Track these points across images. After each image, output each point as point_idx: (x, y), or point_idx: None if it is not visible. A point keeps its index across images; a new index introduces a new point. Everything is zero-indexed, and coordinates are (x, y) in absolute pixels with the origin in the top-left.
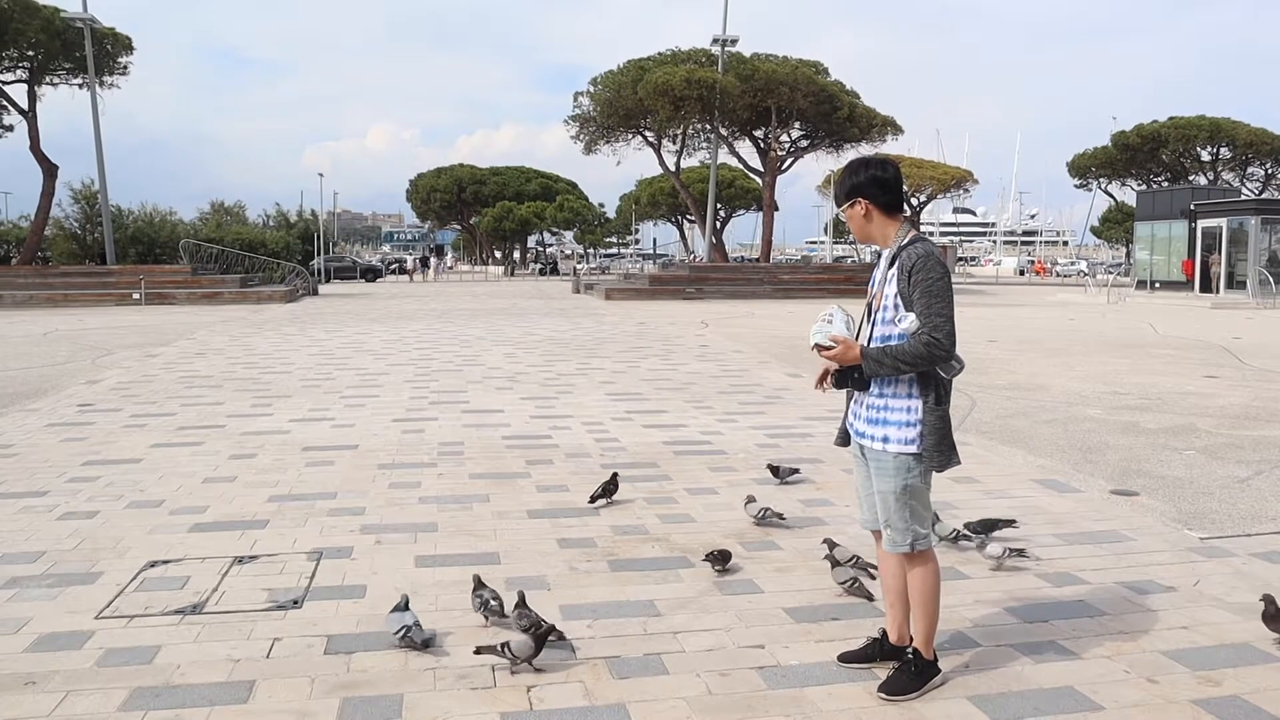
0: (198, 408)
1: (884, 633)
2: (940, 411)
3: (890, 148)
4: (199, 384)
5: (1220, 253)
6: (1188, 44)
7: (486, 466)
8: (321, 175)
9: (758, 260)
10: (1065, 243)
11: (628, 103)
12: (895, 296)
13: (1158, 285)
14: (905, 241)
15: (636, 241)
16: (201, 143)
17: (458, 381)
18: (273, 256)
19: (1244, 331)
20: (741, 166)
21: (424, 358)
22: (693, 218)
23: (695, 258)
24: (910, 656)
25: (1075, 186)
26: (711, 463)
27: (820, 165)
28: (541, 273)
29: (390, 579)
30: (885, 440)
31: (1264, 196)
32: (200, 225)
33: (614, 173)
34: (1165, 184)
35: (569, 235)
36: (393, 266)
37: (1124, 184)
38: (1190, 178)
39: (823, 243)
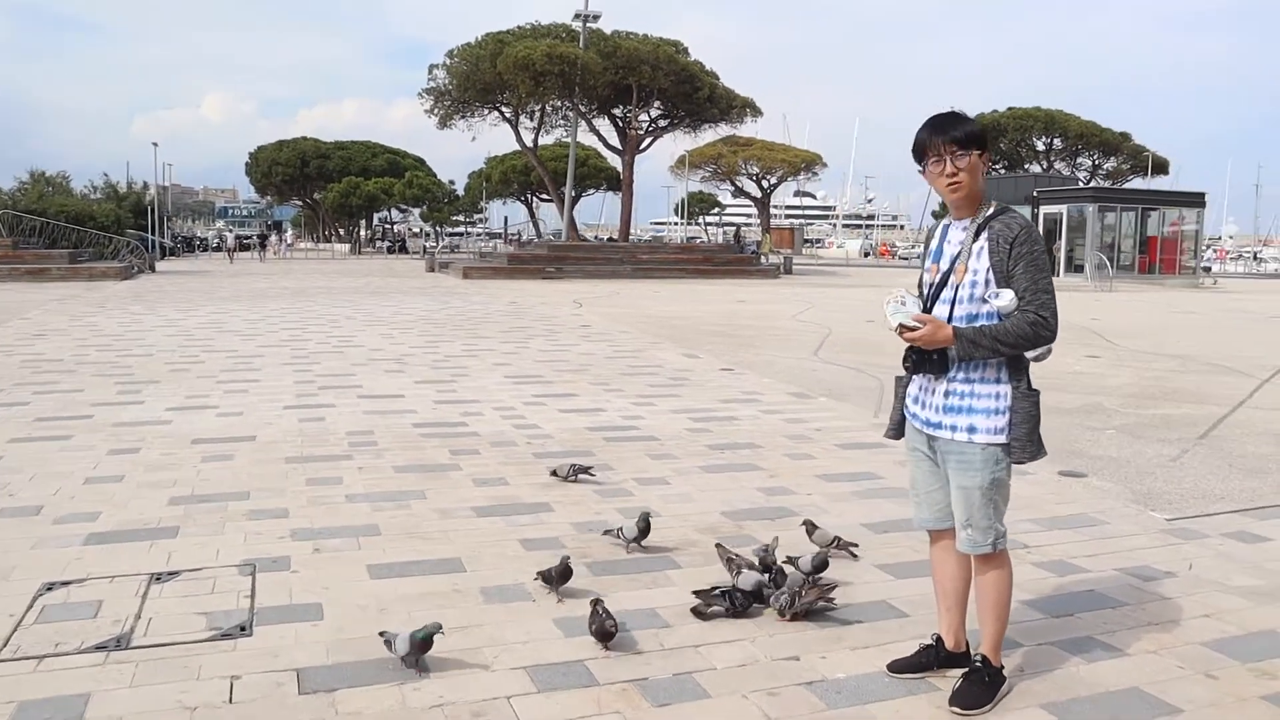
0: (54, 395)
1: (938, 639)
2: (1034, 397)
3: (746, 130)
4: (49, 369)
5: (1061, 238)
6: (1015, 40)
7: (408, 458)
8: (156, 145)
9: (615, 240)
10: (901, 226)
11: (486, 77)
12: (988, 271)
13: None
14: (993, 211)
15: (484, 220)
16: (17, 109)
17: (342, 364)
18: (102, 230)
19: (1097, 313)
20: (599, 145)
21: (295, 339)
22: (545, 196)
23: (550, 237)
24: (979, 665)
25: (918, 172)
26: (649, 450)
27: (678, 145)
28: (390, 251)
29: (347, 594)
30: (971, 430)
31: (1095, 185)
32: (20, 196)
33: (463, 150)
34: (1003, 171)
35: (416, 213)
36: (247, 242)
37: None
38: (1026, 166)
39: (675, 224)
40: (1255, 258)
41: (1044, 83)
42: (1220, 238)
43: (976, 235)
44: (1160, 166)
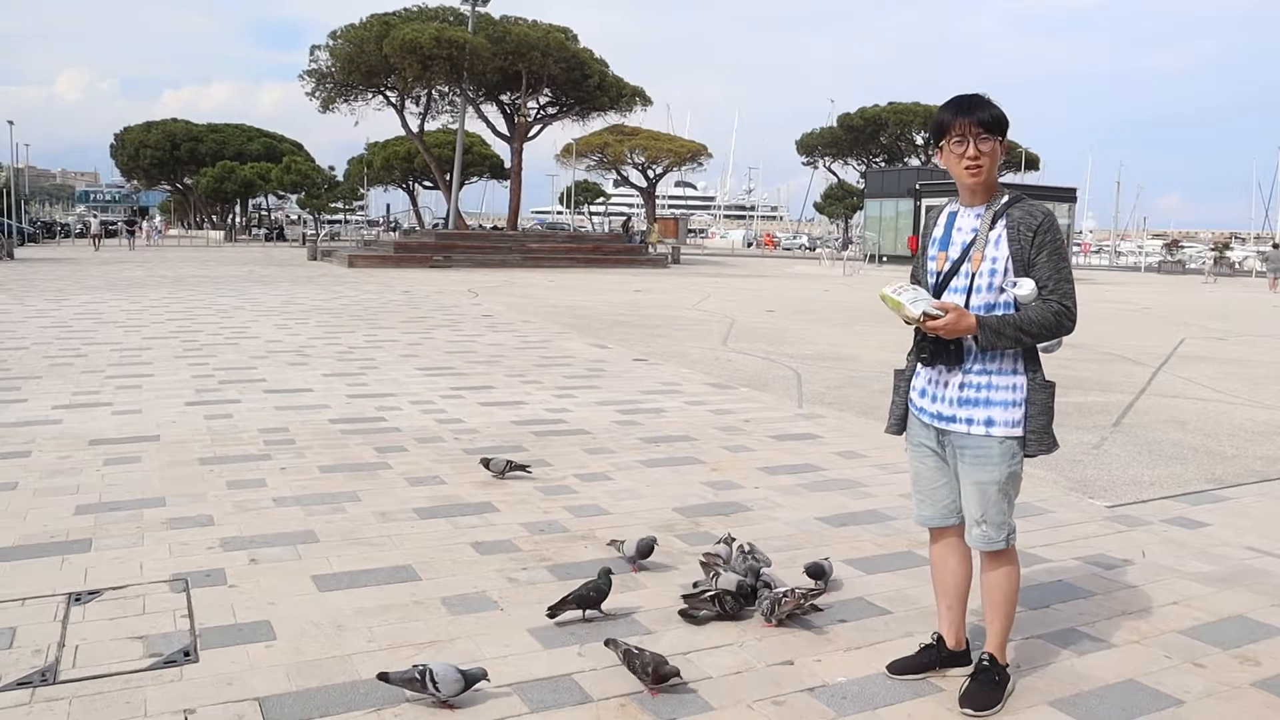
0: None
1: (939, 638)
2: (1050, 388)
3: (634, 119)
4: None
5: None
6: (890, 36)
7: (333, 457)
8: (12, 123)
9: (501, 228)
10: (780, 217)
11: (371, 60)
12: (1007, 260)
13: (885, 259)
14: (1009, 199)
15: (363, 208)
16: None
17: (240, 357)
18: None
19: None
20: (486, 132)
21: (184, 330)
22: (429, 183)
23: (438, 225)
24: (987, 664)
25: (803, 164)
26: (583, 444)
27: (565, 133)
28: (268, 239)
29: (296, 609)
30: (989, 423)
31: None
32: None
33: (343, 135)
34: (883, 164)
35: (294, 199)
36: (112, 228)
37: (845, 163)
38: (906, 159)
39: (561, 212)
40: (1116, 252)
41: (923, 79)
42: (1081, 232)
43: (993, 223)
44: (1032, 163)
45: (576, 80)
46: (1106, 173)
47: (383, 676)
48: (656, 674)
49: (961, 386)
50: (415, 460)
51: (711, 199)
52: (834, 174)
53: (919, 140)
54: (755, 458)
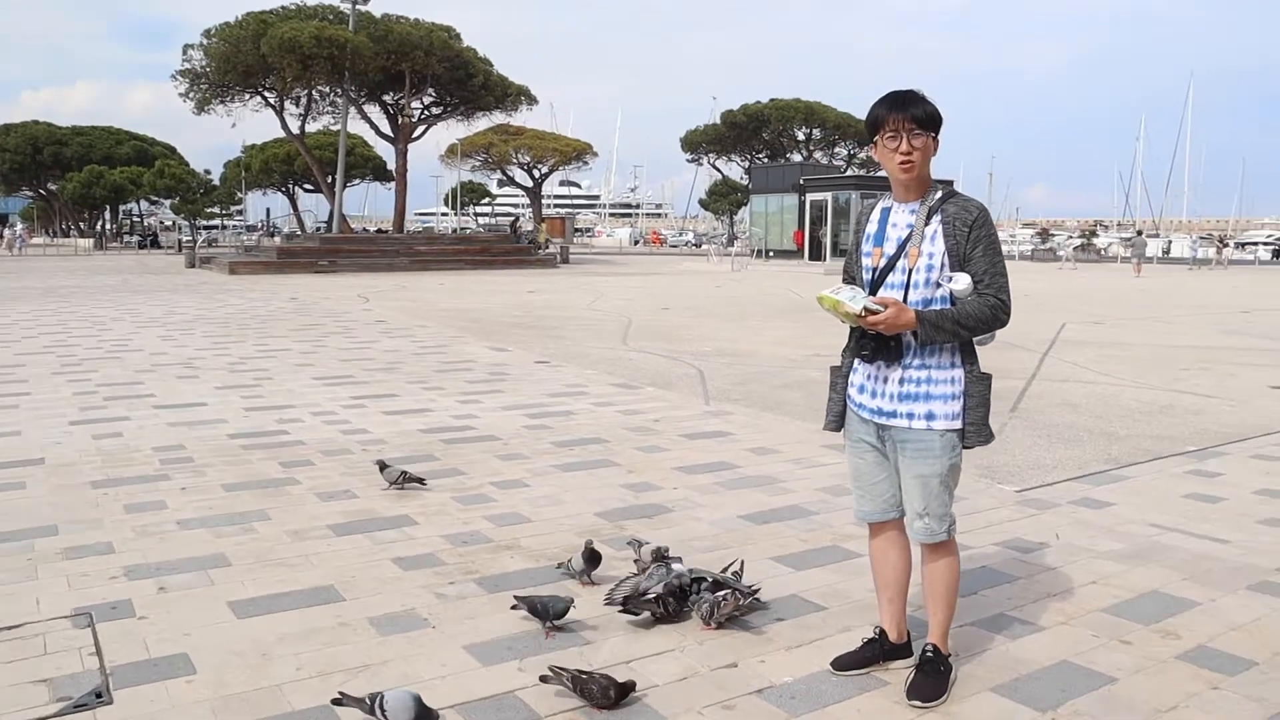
0: None
1: (881, 632)
2: (987, 380)
3: (520, 118)
4: None
5: (826, 224)
6: (772, 32)
7: (236, 474)
8: None
9: (386, 231)
10: (665, 215)
11: (248, 59)
12: (944, 255)
13: (772, 254)
14: (943, 195)
15: (241, 212)
16: None
17: (124, 371)
18: None
19: None
20: (369, 134)
21: (60, 344)
22: (309, 186)
23: (320, 229)
24: (931, 655)
25: (688, 161)
26: (494, 451)
27: (450, 134)
28: (141, 246)
29: (215, 639)
30: (930, 417)
31: (859, 174)
32: None
33: (218, 138)
34: (766, 160)
35: (168, 205)
36: None
37: (729, 159)
38: (788, 155)
39: (444, 214)
40: None
41: (805, 76)
42: None
43: (929, 218)
44: None
45: (461, 80)
46: (979, 165)
47: (337, 701)
48: (620, 696)
49: (901, 382)
50: (324, 474)
51: (596, 198)
52: (718, 170)
53: (801, 136)
54: (670, 457)
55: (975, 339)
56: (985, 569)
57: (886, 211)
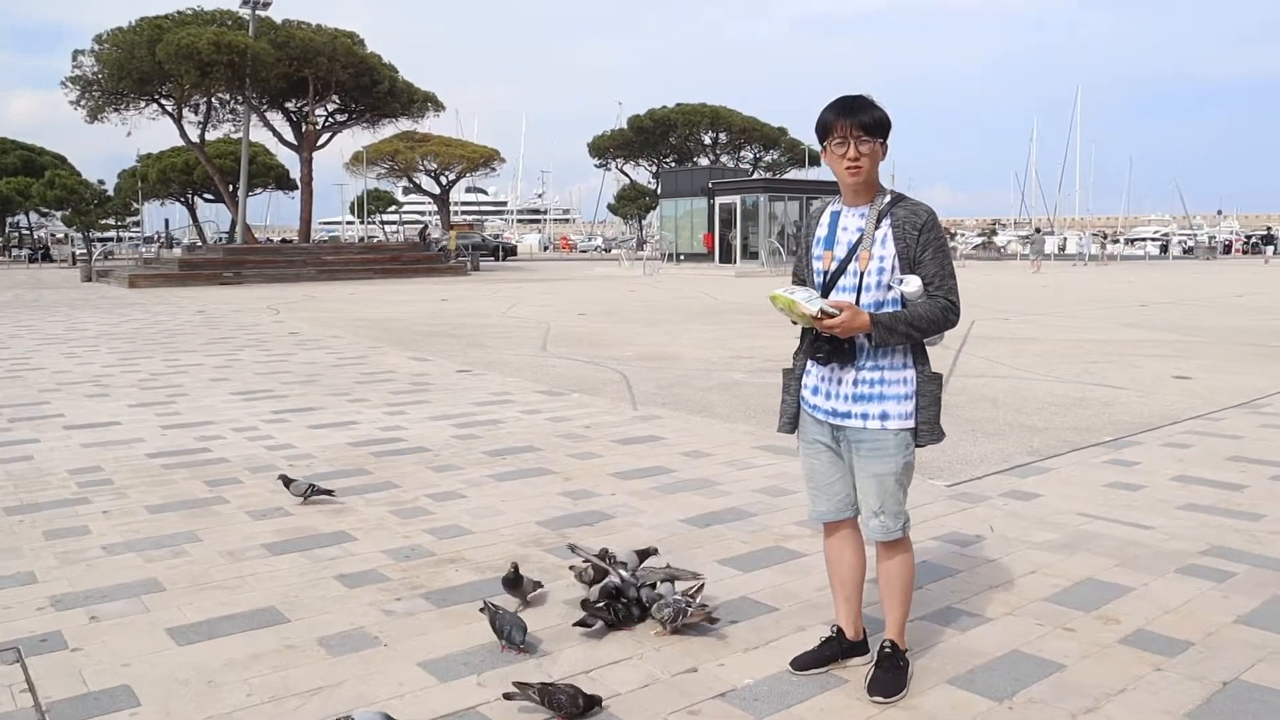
0: None
1: (838, 630)
2: (938, 379)
3: (426, 125)
4: None
5: (735, 227)
6: (678, 36)
7: (160, 495)
8: None
9: (292, 241)
10: (573, 220)
11: (143, 66)
12: (894, 258)
13: (682, 258)
14: (892, 198)
15: (138, 223)
16: None
17: (26, 391)
18: None
19: None
20: (273, 141)
21: None
22: (209, 196)
23: (221, 239)
24: (889, 651)
25: (595, 166)
26: (426, 462)
27: (355, 141)
28: (31, 259)
29: (157, 668)
30: (884, 417)
31: (763, 176)
32: None
33: (112, 146)
34: (674, 164)
35: (59, 216)
36: None
37: (637, 164)
38: (695, 159)
39: (349, 222)
40: None
41: (711, 80)
42: None
43: (878, 222)
44: (815, 158)
45: (366, 86)
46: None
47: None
48: (588, 707)
49: (855, 383)
50: (252, 492)
51: (504, 204)
52: (626, 175)
53: (707, 140)
54: (605, 463)
55: (926, 340)
56: (926, 563)
57: (836, 215)
